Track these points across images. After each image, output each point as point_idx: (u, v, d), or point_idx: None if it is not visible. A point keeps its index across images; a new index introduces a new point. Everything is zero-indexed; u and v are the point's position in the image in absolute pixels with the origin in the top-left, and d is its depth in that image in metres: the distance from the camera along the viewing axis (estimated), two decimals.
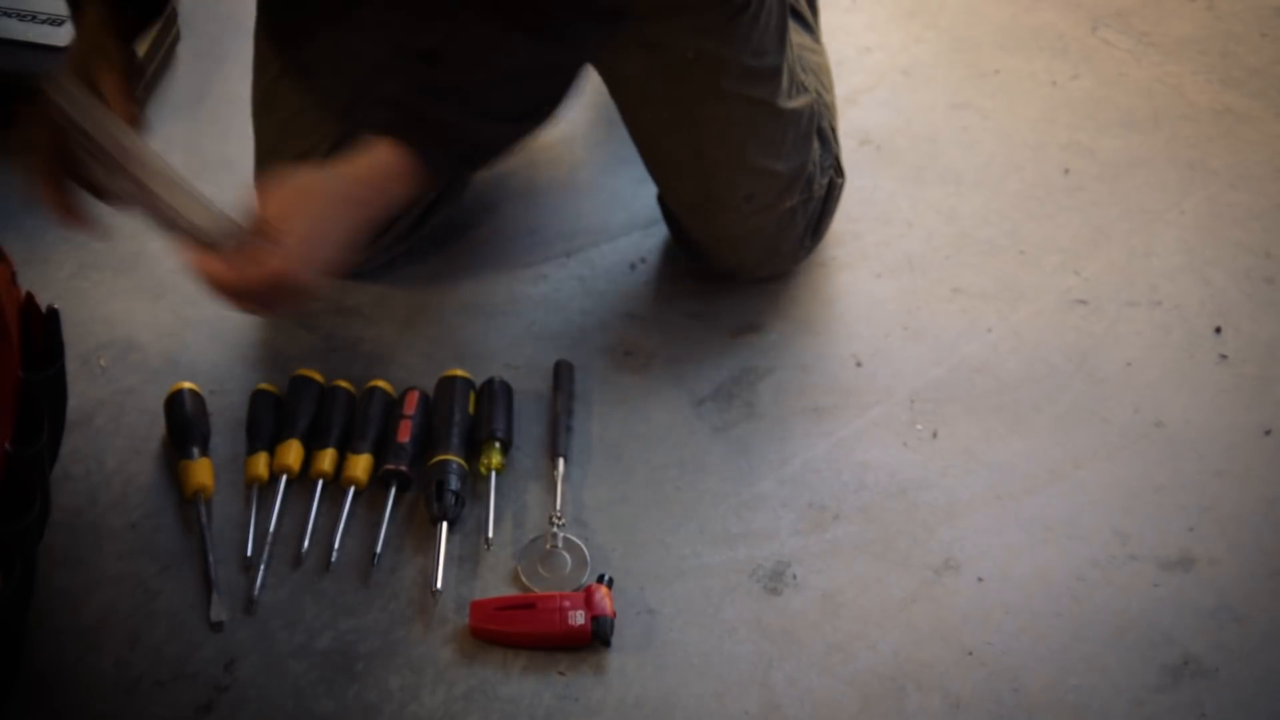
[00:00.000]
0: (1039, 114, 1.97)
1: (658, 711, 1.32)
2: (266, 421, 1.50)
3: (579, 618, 1.34)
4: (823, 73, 1.75)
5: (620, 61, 1.55)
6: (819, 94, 1.67)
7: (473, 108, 1.29)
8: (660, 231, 1.76)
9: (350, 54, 1.51)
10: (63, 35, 1.82)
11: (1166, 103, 1.98)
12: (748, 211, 1.59)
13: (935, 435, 1.56)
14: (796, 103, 1.59)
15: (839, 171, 1.69)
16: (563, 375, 1.57)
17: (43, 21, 1.84)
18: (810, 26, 1.79)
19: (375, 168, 1.28)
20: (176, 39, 1.95)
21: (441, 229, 1.69)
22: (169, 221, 1.26)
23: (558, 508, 1.46)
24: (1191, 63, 2.05)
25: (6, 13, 1.84)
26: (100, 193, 1.32)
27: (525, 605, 1.36)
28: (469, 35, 1.29)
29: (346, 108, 1.42)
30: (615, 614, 1.36)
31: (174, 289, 1.66)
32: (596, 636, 1.34)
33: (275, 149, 1.57)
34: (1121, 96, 1.99)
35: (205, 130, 1.86)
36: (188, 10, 1.98)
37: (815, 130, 1.63)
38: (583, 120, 1.91)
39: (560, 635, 1.34)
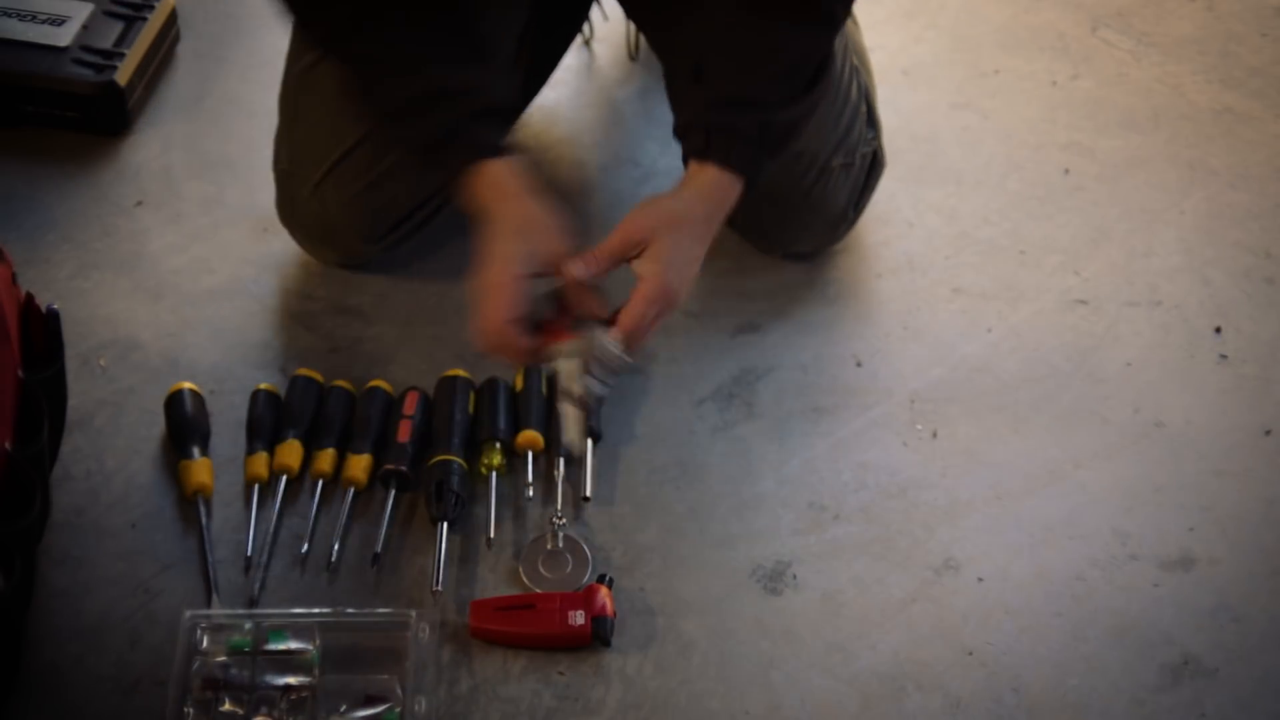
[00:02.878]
0: (1039, 114, 1.97)
1: (657, 711, 1.32)
2: (266, 421, 1.49)
3: (579, 618, 1.34)
4: (863, 54, 1.75)
5: (669, 25, 1.57)
6: (861, 71, 1.68)
7: (761, 105, 1.37)
8: None
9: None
10: (63, 35, 1.82)
11: (1166, 103, 1.98)
12: (796, 169, 1.60)
13: (935, 435, 1.56)
14: (846, 67, 1.62)
15: (881, 152, 1.69)
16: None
17: (43, 21, 1.84)
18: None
19: (714, 189, 1.38)
20: (176, 39, 1.95)
21: (442, 229, 1.69)
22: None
23: (558, 508, 1.46)
24: (1191, 63, 2.05)
25: (6, 13, 1.84)
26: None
27: (525, 605, 1.36)
28: (729, 39, 1.39)
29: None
30: (615, 614, 1.36)
31: (174, 289, 1.66)
32: (596, 636, 1.34)
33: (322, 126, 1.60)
34: (1121, 96, 1.99)
35: (205, 130, 1.86)
36: (188, 10, 1.98)
37: (864, 100, 1.66)
38: (583, 120, 1.91)
39: (560, 635, 1.34)
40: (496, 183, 1.38)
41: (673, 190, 1.40)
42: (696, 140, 1.39)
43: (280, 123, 1.63)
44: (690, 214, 1.38)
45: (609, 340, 1.34)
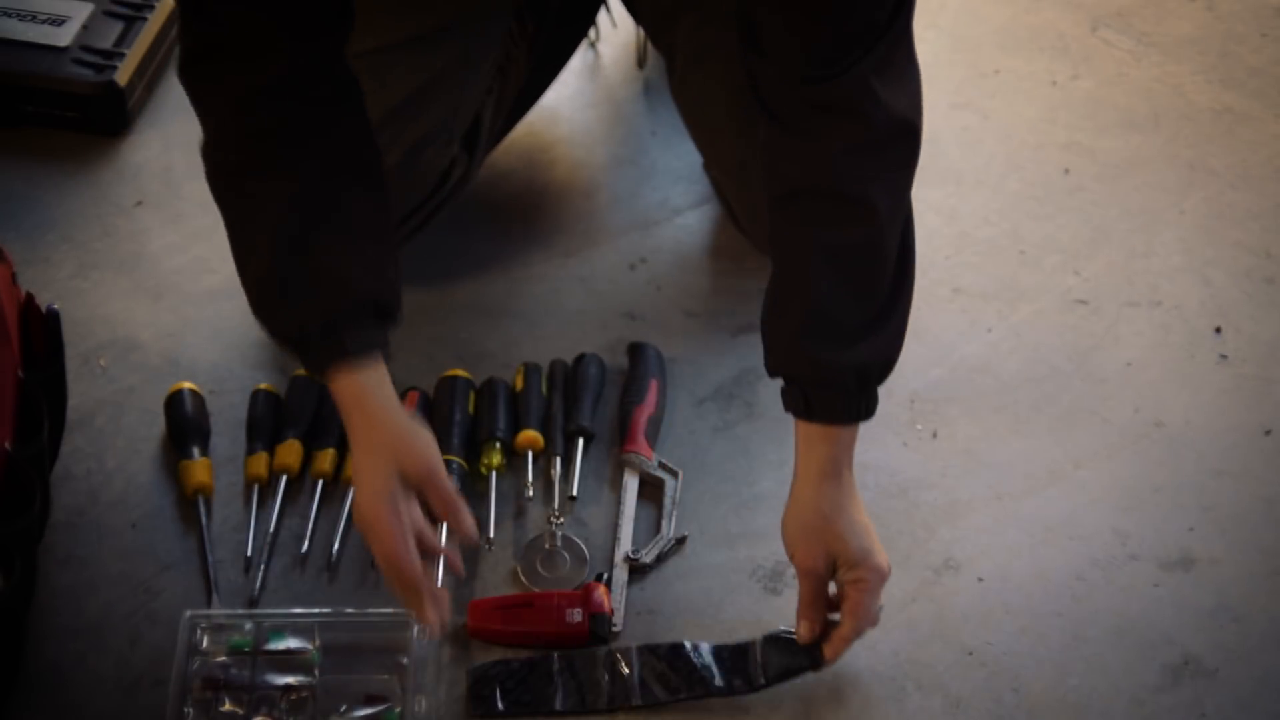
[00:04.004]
0: (1039, 114, 1.97)
1: (657, 711, 1.32)
2: (266, 421, 1.50)
3: (576, 616, 1.34)
4: None
5: (672, 18, 1.56)
6: None
7: (849, 334, 1.29)
8: (660, 231, 1.76)
9: None
10: (63, 35, 1.82)
11: (1166, 103, 1.98)
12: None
13: (935, 435, 1.56)
14: None
15: None
16: (558, 375, 1.57)
17: (43, 21, 1.84)
18: None
19: (835, 446, 1.30)
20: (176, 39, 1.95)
21: (442, 229, 1.69)
22: None
23: (556, 507, 1.46)
24: (1191, 63, 2.05)
25: (6, 13, 1.84)
26: None
27: (523, 604, 1.36)
28: (778, 254, 1.33)
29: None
30: (613, 611, 1.36)
31: (174, 289, 1.66)
32: (594, 634, 1.35)
33: None
34: (1121, 96, 1.99)
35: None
36: None
37: None
38: (583, 120, 1.91)
39: (558, 634, 1.34)
40: (358, 393, 1.25)
41: (804, 475, 1.30)
42: (796, 400, 1.30)
43: None
44: (838, 494, 1.30)
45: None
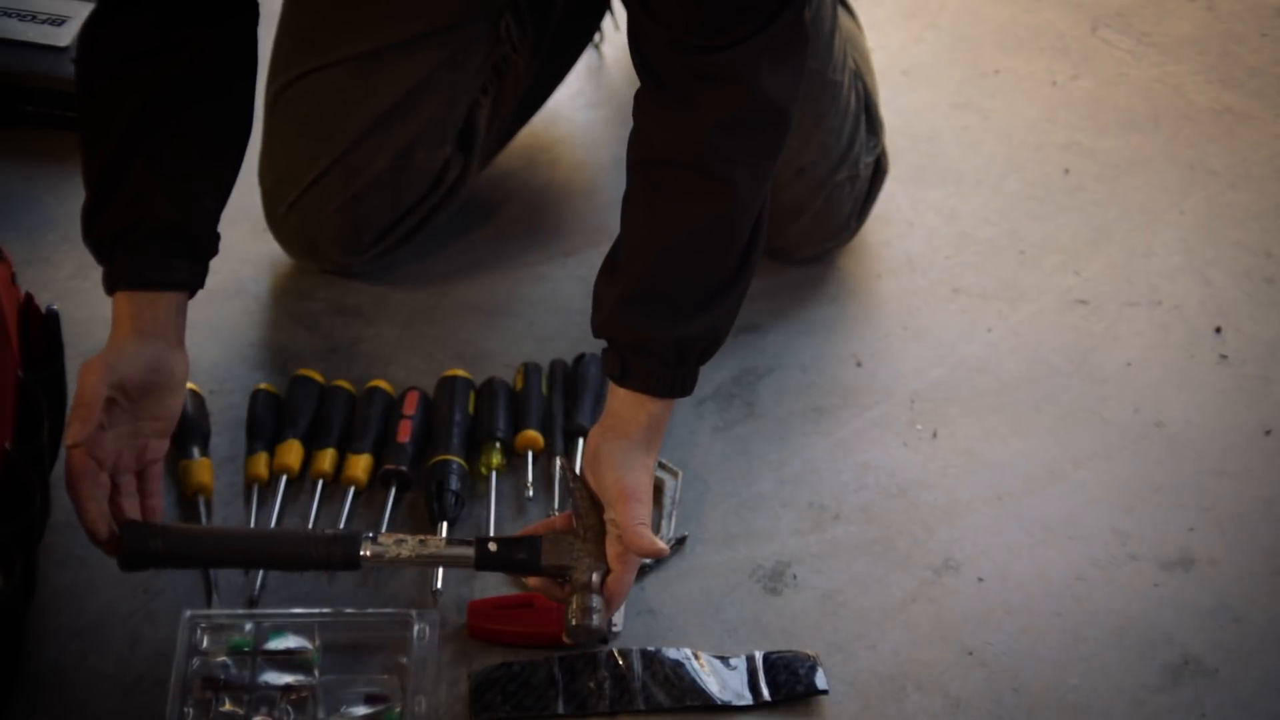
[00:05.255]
0: (1039, 114, 1.97)
1: (659, 716, 1.32)
2: (266, 421, 1.49)
3: None
4: (865, 56, 1.75)
5: None
6: (863, 76, 1.67)
7: (674, 307, 1.29)
8: None
9: None
10: (63, 35, 1.82)
11: (1166, 103, 1.98)
12: (798, 186, 1.60)
13: (935, 435, 1.56)
14: (846, 77, 1.61)
15: (884, 156, 1.69)
16: (558, 375, 1.57)
17: (43, 21, 1.84)
18: (850, 10, 1.78)
19: (643, 413, 1.29)
20: None
21: (442, 229, 1.69)
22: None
23: (556, 507, 1.46)
24: (1191, 63, 2.05)
25: (6, 13, 1.84)
26: None
27: (523, 604, 1.36)
28: (626, 217, 1.31)
29: None
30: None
31: None
32: None
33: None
34: (1121, 96, 1.99)
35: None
36: None
37: (864, 109, 1.65)
38: (583, 121, 1.91)
39: (558, 634, 1.34)
40: (118, 315, 1.27)
41: (612, 424, 1.30)
42: (613, 363, 1.30)
43: (262, 138, 1.62)
44: (642, 454, 1.30)
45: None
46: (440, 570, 1.37)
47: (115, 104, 1.27)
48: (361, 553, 1.26)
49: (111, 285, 1.28)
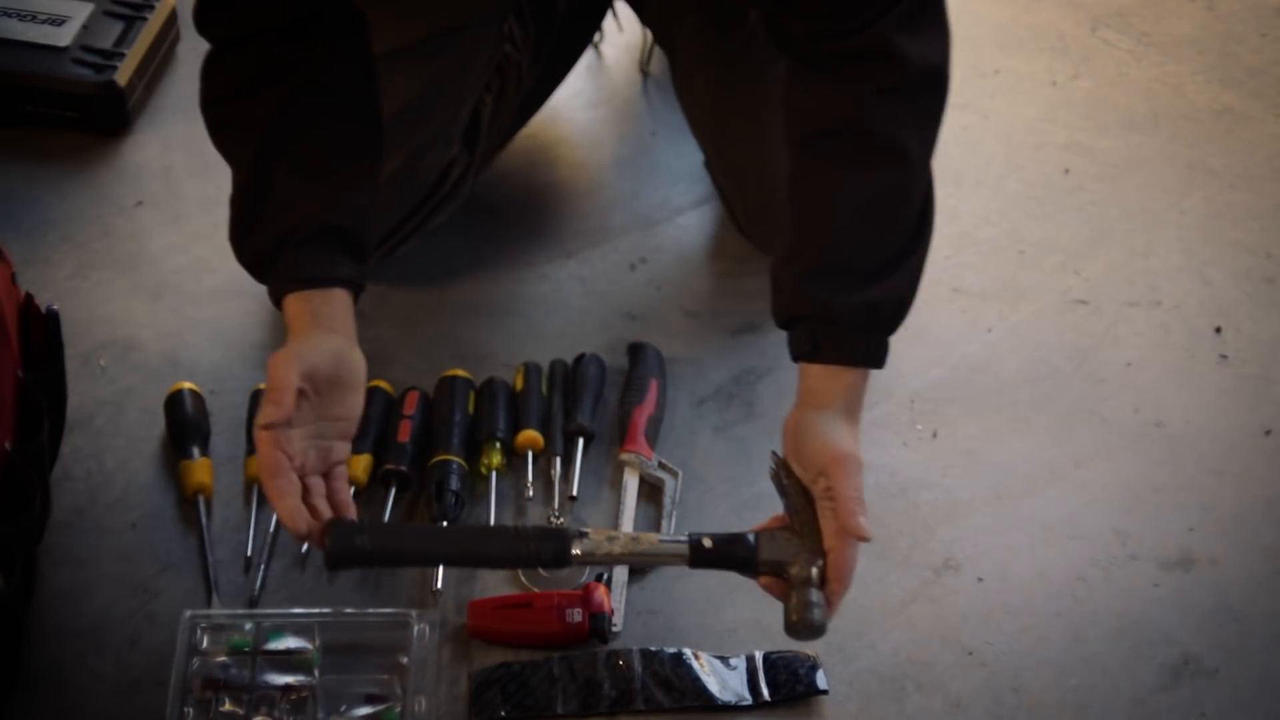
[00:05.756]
0: (1039, 114, 1.97)
1: (659, 716, 1.32)
2: None
3: (576, 615, 1.34)
4: None
5: (676, 19, 1.56)
6: None
7: (860, 270, 1.27)
8: (661, 231, 1.76)
9: None
10: (63, 35, 1.82)
11: (1166, 103, 1.98)
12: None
13: (935, 435, 1.56)
14: None
15: None
16: (558, 375, 1.57)
17: (43, 21, 1.84)
18: None
19: (843, 387, 1.26)
20: (176, 39, 1.95)
21: (442, 229, 1.69)
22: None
23: (556, 507, 1.46)
24: (1191, 63, 2.05)
25: (6, 13, 1.84)
26: None
27: (523, 604, 1.36)
28: (796, 196, 1.30)
29: None
30: (613, 611, 1.36)
31: (174, 289, 1.66)
32: (595, 634, 1.34)
33: None
34: (1121, 96, 1.99)
35: (205, 130, 1.85)
36: (187, 10, 1.97)
37: None
38: (584, 121, 1.91)
39: (559, 633, 1.34)
40: (294, 317, 1.25)
41: (809, 401, 1.27)
42: (803, 341, 1.27)
43: None
44: (850, 426, 1.26)
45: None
46: (440, 570, 1.37)
47: (248, 126, 1.28)
48: (572, 550, 1.22)
49: (280, 291, 1.26)
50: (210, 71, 1.30)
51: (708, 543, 1.24)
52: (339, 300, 1.25)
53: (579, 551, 1.23)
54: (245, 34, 1.27)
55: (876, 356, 1.27)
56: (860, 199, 1.26)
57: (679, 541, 1.24)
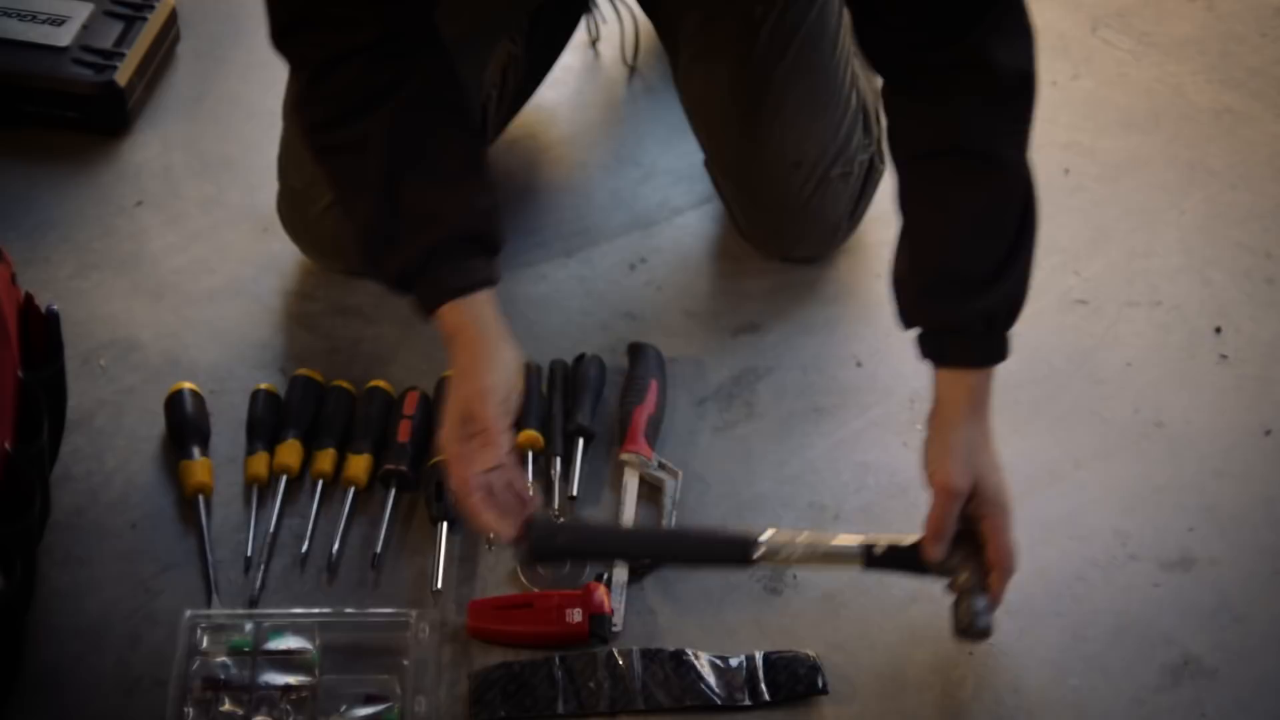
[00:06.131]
0: (1039, 114, 1.96)
1: (658, 716, 1.32)
2: (266, 421, 1.49)
3: (576, 615, 1.34)
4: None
5: (679, 16, 1.56)
6: (861, 74, 1.68)
7: (973, 282, 1.32)
8: (660, 231, 1.76)
9: None
10: (63, 35, 1.82)
11: (1166, 103, 1.98)
12: (794, 179, 1.60)
13: None
14: (847, 74, 1.62)
15: (880, 156, 1.69)
16: (558, 375, 1.57)
17: (43, 21, 1.84)
18: None
19: (971, 387, 1.33)
20: (176, 39, 1.95)
21: None
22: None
23: (556, 507, 1.46)
24: (1191, 63, 2.05)
25: (6, 13, 1.84)
26: None
27: (523, 604, 1.36)
28: (907, 210, 1.36)
29: None
30: (613, 611, 1.36)
31: (174, 289, 1.66)
32: (594, 634, 1.34)
33: None
34: (1121, 96, 1.99)
35: (205, 130, 1.86)
36: (187, 10, 1.98)
37: (861, 107, 1.65)
38: (583, 120, 1.91)
39: (558, 634, 1.34)
40: (455, 326, 1.32)
41: (944, 414, 1.33)
42: (930, 347, 1.34)
43: (286, 137, 1.61)
44: (978, 431, 1.33)
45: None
46: (440, 570, 1.38)
47: (362, 148, 1.30)
48: (755, 555, 1.33)
49: (433, 302, 1.32)
50: (310, 97, 1.32)
51: (878, 549, 1.33)
52: (488, 302, 1.33)
53: (762, 553, 1.33)
54: (339, 54, 1.28)
55: (998, 354, 1.34)
56: (968, 214, 1.31)
57: (851, 547, 1.34)
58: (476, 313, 1.32)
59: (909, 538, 1.33)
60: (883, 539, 1.34)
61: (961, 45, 1.24)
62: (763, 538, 1.33)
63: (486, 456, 1.28)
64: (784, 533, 1.33)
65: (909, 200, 1.35)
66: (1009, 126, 1.30)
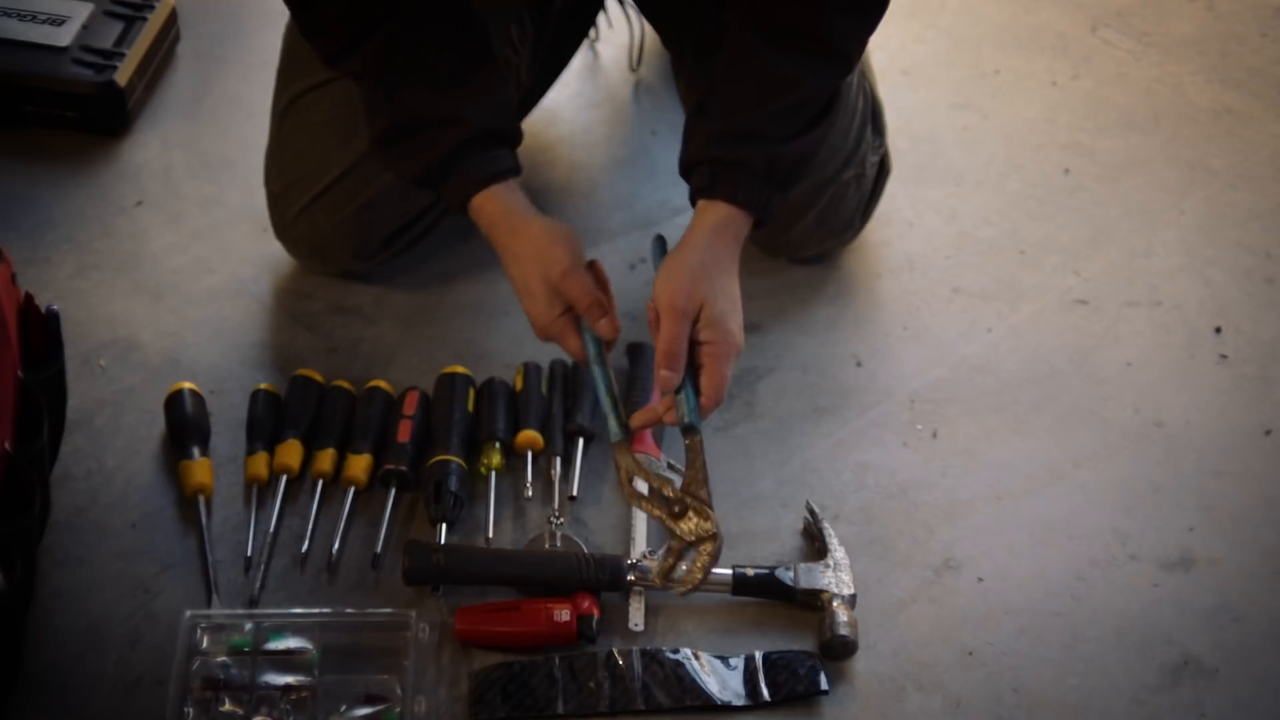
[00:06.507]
0: (1039, 114, 1.97)
1: (658, 716, 1.32)
2: (266, 421, 1.49)
3: (564, 616, 1.34)
4: (866, 57, 1.75)
5: (684, 18, 1.56)
6: (868, 75, 1.68)
7: (768, 138, 1.37)
8: (661, 232, 1.75)
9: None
10: (63, 35, 1.82)
11: (1166, 103, 1.98)
12: (804, 184, 1.60)
13: (935, 435, 1.56)
14: (854, 77, 1.62)
15: (888, 157, 1.69)
16: (558, 375, 1.57)
17: (43, 21, 1.84)
18: None
19: (727, 226, 1.37)
20: (176, 39, 1.95)
21: (441, 229, 1.69)
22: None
23: (556, 507, 1.46)
24: (1191, 63, 2.05)
25: (6, 13, 1.84)
26: None
27: (511, 608, 1.36)
28: (737, 72, 1.38)
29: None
30: (601, 613, 1.36)
31: (174, 289, 1.66)
32: (582, 635, 1.34)
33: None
34: (1121, 96, 1.99)
35: (205, 130, 1.86)
36: (188, 10, 1.98)
37: (870, 109, 1.65)
38: (583, 121, 1.91)
39: (546, 634, 1.34)
40: (494, 213, 1.38)
41: (687, 239, 1.36)
42: (702, 176, 1.37)
43: (270, 142, 1.63)
44: (716, 259, 1.35)
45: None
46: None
47: (374, 71, 1.38)
48: (628, 575, 1.37)
49: (465, 192, 1.38)
50: (309, 29, 1.40)
51: (750, 572, 1.39)
52: (517, 188, 1.40)
53: (634, 577, 1.37)
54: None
55: (766, 205, 1.37)
56: (793, 95, 1.37)
57: (724, 572, 1.38)
58: (514, 198, 1.38)
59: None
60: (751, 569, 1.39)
61: None
62: (632, 562, 1.37)
63: (603, 327, 1.35)
64: (653, 558, 1.36)
65: (736, 63, 1.39)
66: (864, 31, 1.40)
